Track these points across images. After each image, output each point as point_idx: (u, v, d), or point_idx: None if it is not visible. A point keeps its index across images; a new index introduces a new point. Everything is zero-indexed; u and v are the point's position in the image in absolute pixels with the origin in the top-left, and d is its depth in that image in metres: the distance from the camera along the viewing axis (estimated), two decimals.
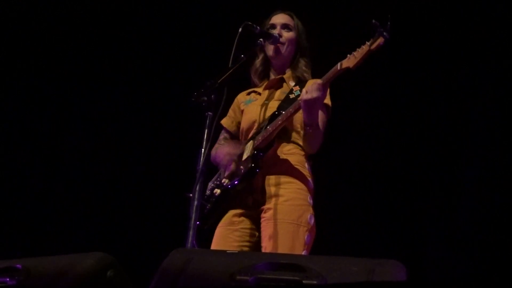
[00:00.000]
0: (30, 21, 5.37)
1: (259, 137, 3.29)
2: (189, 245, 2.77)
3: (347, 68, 3.08)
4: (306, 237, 3.19)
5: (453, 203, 4.49)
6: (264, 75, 3.59)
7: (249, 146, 3.33)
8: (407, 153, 4.65)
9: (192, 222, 2.79)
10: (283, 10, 3.57)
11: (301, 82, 3.45)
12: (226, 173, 3.39)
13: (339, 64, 3.11)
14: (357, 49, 3.06)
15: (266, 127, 3.30)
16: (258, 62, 3.56)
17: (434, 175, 4.59)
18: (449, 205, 4.50)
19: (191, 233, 2.78)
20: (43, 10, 5.36)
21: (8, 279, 2.33)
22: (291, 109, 3.22)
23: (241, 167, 3.29)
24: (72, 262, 2.33)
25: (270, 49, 3.49)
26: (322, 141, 3.31)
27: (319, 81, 3.14)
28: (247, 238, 3.31)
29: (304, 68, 3.47)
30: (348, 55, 3.09)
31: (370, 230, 4.63)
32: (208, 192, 3.42)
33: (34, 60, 5.38)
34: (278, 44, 3.46)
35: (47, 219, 5.22)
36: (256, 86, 3.61)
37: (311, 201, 3.29)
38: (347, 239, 4.58)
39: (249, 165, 3.24)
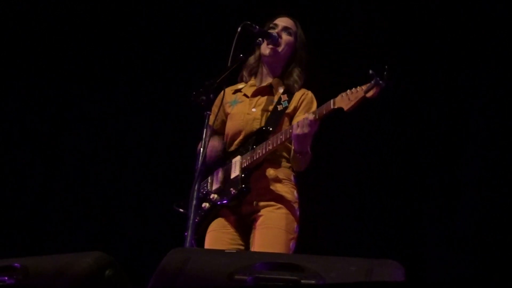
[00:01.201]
0: (30, 21, 5.36)
1: (248, 158, 3.30)
2: (187, 245, 2.78)
3: (340, 109, 3.09)
4: (291, 244, 3.26)
5: (452, 203, 4.49)
6: (254, 73, 3.56)
7: (237, 163, 3.33)
8: (407, 153, 4.65)
9: (191, 221, 2.80)
10: (289, 15, 3.56)
11: (289, 93, 3.43)
12: (214, 186, 3.39)
13: (331, 102, 3.11)
14: (351, 90, 3.06)
15: (253, 145, 3.31)
16: (251, 58, 3.53)
17: (434, 175, 4.59)
18: (449, 205, 4.50)
19: (189, 232, 2.78)
20: (43, 10, 5.35)
21: (6, 278, 2.34)
22: (281, 137, 3.23)
23: (231, 188, 3.30)
24: (71, 262, 2.33)
25: (267, 49, 3.45)
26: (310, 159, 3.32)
27: (310, 116, 3.14)
28: (239, 242, 3.35)
29: (296, 77, 3.45)
30: (342, 94, 3.08)
31: (369, 230, 4.62)
32: (193, 201, 3.41)
33: (34, 60, 5.37)
34: (276, 45, 3.43)
35: (45, 219, 5.22)
36: (242, 81, 3.58)
37: (298, 213, 3.34)
38: (346, 239, 4.57)
39: (239, 187, 3.27)
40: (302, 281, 2.07)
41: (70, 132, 5.37)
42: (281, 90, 3.45)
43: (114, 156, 5.26)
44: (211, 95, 3.04)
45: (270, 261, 2.17)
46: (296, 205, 3.34)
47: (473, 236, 4.36)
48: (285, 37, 3.47)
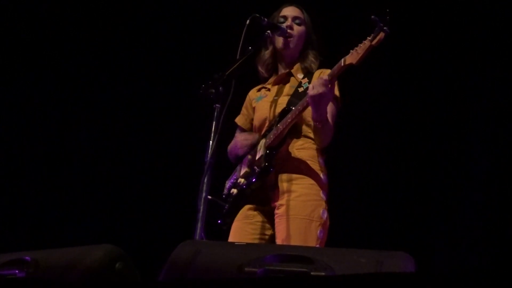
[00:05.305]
0: (32, 19, 5.37)
1: (271, 135, 3.30)
2: (197, 237, 2.79)
3: (351, 64, 3.09)
4: (318, 232, 3.21)
5: (461, 195, 4.49)
6: (272, 68, 3.58)
7: (262, 144, 3.34)
8: (416, 145, 4.65)
9: (200, 214, 2.81)
10: (292, 3, 3.56)
11: (309, 74, 3.45)
12: (242, 172, 3.40)
13: (342, 60, 3.12)
14: (359, 44, 3.08)
15: (276, 124, 3.31)
16: (267, 53, 3.54)
17: (443, 167, 4.59)
18: (458, 197, 4.50)
19: (199, 225, 2.79)
20: (45, 9, 5.36)
21: (17, 271, 2.35)
22: (299, 107, 3.22)
23: (255, 166, 3.31)
24: (81, 254, 2.33)
25: (279, 42, 3.48)
26: (333, 134, 3.31)
27: (324, 76, 3.14)
28: (262, 231, 3.33)
29: (312, 59, 3.48)
30: (351, 51, 3.10)
31: (379, 222, 4.62)
32: (225, 191, 3.44)
33: (36, 58, 5.38)
34: (287, 37, 3.44)
35: (55, 212, 5.23)
36: (264, 80, 3.60)
37: (324, 196, 3.29)
38: (356, 231, 4.57)
39: (263, 165, 3.26)
40: (311, 273, 2.07)
41: (79, 123, 5.38)
42: (300, 76, 3.47)
43: (123, 148, 5.28)
44: (220, 88, 3.05)
45: (280, 253, 2.17)
46: (321, 173, 3.31)
47: (482, 227, 4.37)
48: (296, 28, 3.48)
